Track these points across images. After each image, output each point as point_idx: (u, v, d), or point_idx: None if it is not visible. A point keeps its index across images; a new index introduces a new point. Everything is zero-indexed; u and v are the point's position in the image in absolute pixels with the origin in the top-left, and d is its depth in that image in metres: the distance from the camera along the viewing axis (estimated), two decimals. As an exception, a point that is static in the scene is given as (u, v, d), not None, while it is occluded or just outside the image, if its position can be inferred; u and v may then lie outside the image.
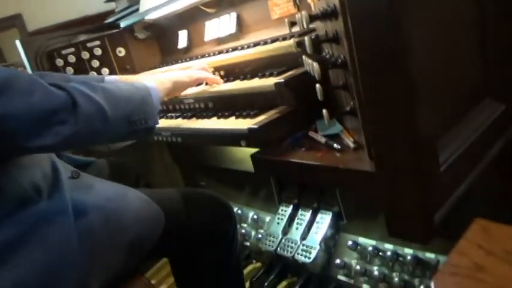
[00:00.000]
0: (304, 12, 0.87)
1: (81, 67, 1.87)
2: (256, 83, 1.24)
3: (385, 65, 0.66)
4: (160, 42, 1.99)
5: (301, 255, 1.41)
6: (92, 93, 0.86)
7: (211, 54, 1.58)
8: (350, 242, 1.40)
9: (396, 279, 1.28)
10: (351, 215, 1.42)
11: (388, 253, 1.30)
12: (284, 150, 1.03)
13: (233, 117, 1.23)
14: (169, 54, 1.94)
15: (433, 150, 0.73)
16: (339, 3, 0.73)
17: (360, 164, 0.83)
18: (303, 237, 1.46)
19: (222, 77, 1.45)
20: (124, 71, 1.87)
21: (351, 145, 0.92)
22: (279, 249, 1.48)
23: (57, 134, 0.79)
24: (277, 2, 1.37)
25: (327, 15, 0.82)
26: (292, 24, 1.02)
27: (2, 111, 0.73)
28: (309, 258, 1.39)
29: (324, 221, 1.45)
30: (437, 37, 0.78)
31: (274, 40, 1.31)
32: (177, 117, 1.50)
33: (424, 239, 0.74)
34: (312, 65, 0.93)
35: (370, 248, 1.35)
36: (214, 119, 1.30)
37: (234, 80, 1.37)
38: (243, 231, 1.79)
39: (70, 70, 1.88)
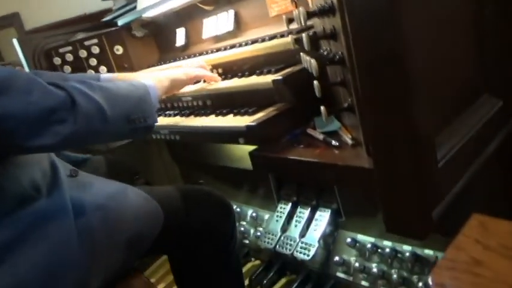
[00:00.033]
0: (301, 9, 0.87)
1: (79, 65, 1.87)
2: (254, 80, 1.23)
3: (384, 62, 0.66)
4: (158, 40, 1.98)
5: (300, 252, 1.41)
6: (90, 92, 0.86)
7: (209, 52, 1.58)
8: (349, 239, 1.40)
9: (395, 276, 1.28)
10: (349, 213, 1.42)
11: (387, 250, 1.30)
12: (282, 148, 1.03)
13: (231, 115, 1.23)
14: (167, 52, 1.94)
15: (431, 146, 0.74)
16: (337, -1, 0.73)
17: (358, 160, 0.83)
18: (302, 234, 1.46)
19: (220, 75, 1.45)
20: (122, 69, 1.87)
21: (349, 142, 0.92)
22: (278, 246, 1.48)
23: (57, 134, 0.78)
24: (275, -1, 1.37)
25: (324, 11, 0.82)
26: (290, 21, 1.02)
27: (1, 110, 0.73)
28: (308, 255, 1.39)
29: (323, 218, 1.45)
30: (435, 34, 0.78)
31: (272, 37, 1.31)
32: (175, 115, 1.49)
33: (421, 235, 0.74)
34: (309, 62, 0.93)
35: (368, 245, 1.35)
36: (212, 116, 1.30)
37: (232, 77, 1.37)
38: (242, 229, 1.79)
39: (68, 69, 1.88)
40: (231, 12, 1.54)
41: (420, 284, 1.22)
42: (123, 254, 0.97)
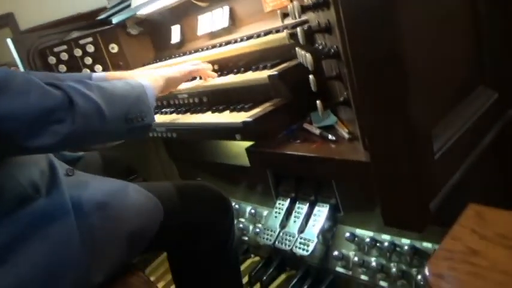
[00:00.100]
0: (295, 3, 0.87)
1: (74, 64, 1.86)
2: (250, 76, 1.23)
3: (378, 56, 0.66)
4: (153, 37, 1.98)
5: (299, 248, 1.41)
6: (88, 91, 0.85)
7: (205, 48, 1.57)
8: (347, 234, 1.40)
9: (394, 269, 1.28)
10: (348, 207, 1.42)
11: (386, 244, 1.31)
12: (279, 143, 1.03)
13: (227, 111, 1.23)
14: (162, 49, 1.93)
15: (427, 139, 0.73)
16: (330, -8, 0.73)
17: (355, 154, 0.83)
18: (301, 230, 1.46)
19: (215, 71, 1.45)
20: (117, 67, 1.86)
21: (346, 136, 0.91)
22: (277, 242, 1.48)
23: (55, 134, 0.78)
24: (269, -5, 1.36)
25: (318, 5, 0.81)
26: (285, 15, 1.01)
27: (0, 111, 0.73)
28: (307, 251, 1.39)
29: (321, 213, 1.45)
30: (430, 27, 0.78)
31: (267, 33, 1.30)
32: (171, 112, 1.49)
33: (419, 228, 0.74)
34: (305, 56, 0.92)
35: (367, 239, 1.35)
36: (209, 113, 1.29)
37: (228, 74, 1.36)
38: (241, 225, 1.79)
39: (63, 68, 1.87)
40: (226, 8, 1.53)
41: (419, 276, 1.23)
42: (123, 251, 0.97)
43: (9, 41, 1.81)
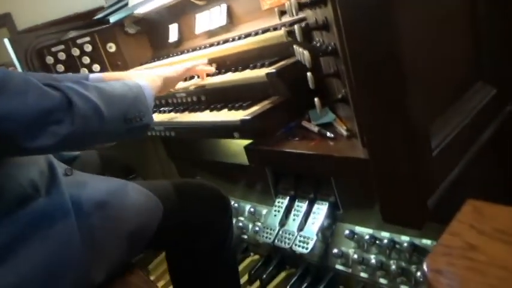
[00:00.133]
0: (293, 0, 0.87)
1: (72, 64, 1.86)
2: (248, 74, 1.23)
3: (376, 56, 0.65)
4: (151, 36, 1.97)
5: (299, 246, 1.42)
6: (86, 92, 0.85)
7: (203, 47, 1.57)
8: (347, 232, 1.40)
9: (393, 266, 1.28)
10: (347, 205, 1.42)
11: (385, 241, 1.31)
12: (277, 141, 1.03)
13: (226, 110, 1.23)
14: (160, 48, 1.93)
15: (425, 135, 0.73)
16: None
17: (353, 151, 0.83)
18: (300, 228, 1.46)
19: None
20: (115, 66, 1.86)
21: (344, 133, 0.91)
22: (276, 241, 1.48)
23: (54, 135, 0.78)
24: (267, -8, 1.36)
25: (315, 2, 0.81)
26: (282, 13, 1.01)
27: None
28: (307, 248, 1.39)
29: (321, 211, 1.45)
30: (429, 27, 0.77)
31: (265, 31, 1.30)
32: (169, 111, 1.49)
33: (418, 224, 0.74)
34: (302, 54, 0.92)
35: (366, 237, 1.35)
36: (207, 111, 1.29)
37: (226, 72, 1.36)
38: (241, 224, 1.79)
39: (61, 67, 1.86)
40: (224, 6, 1.53)
41: (418, 273, 1.23)
42: (123, 251, 0.97)
43: (6, 41, 1.80)
